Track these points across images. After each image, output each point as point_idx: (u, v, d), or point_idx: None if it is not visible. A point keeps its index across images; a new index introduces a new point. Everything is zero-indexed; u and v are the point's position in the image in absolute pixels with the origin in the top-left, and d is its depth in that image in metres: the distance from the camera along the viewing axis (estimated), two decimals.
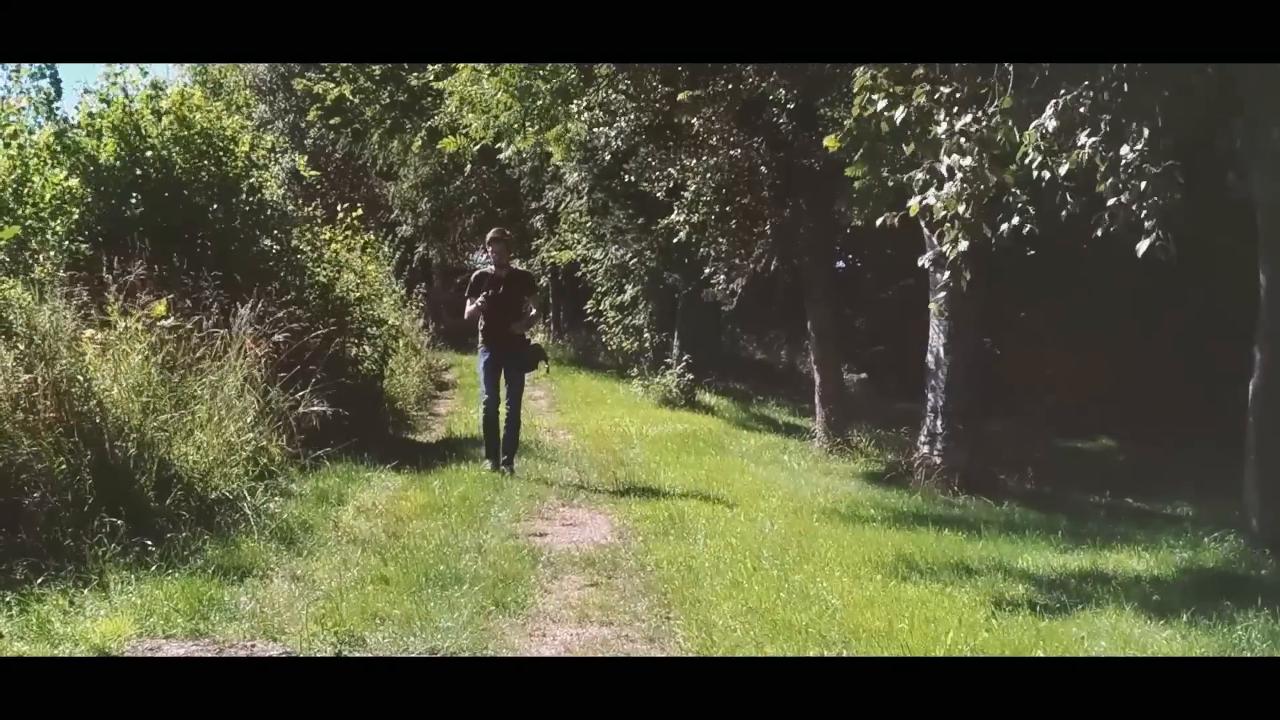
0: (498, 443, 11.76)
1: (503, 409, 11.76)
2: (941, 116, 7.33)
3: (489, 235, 12.29)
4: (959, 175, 7.27)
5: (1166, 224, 6.68)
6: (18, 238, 10.10)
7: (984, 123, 7.12)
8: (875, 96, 7.45)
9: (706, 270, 18.13)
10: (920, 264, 9.00)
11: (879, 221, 7.92)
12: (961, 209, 7.27)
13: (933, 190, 7.40)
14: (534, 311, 12.20)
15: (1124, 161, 6.67)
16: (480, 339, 12.00)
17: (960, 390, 13.21)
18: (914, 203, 7.60)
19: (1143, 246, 6.85)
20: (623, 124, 16.09)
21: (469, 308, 11.87)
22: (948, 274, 7.82)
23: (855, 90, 7.66)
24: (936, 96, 7.37)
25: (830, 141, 7.69)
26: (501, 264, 11.96)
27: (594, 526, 9.42)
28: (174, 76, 13.19)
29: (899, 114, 7.39)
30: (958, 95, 7.30)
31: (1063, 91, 6.90)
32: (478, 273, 12.23)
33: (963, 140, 7.20)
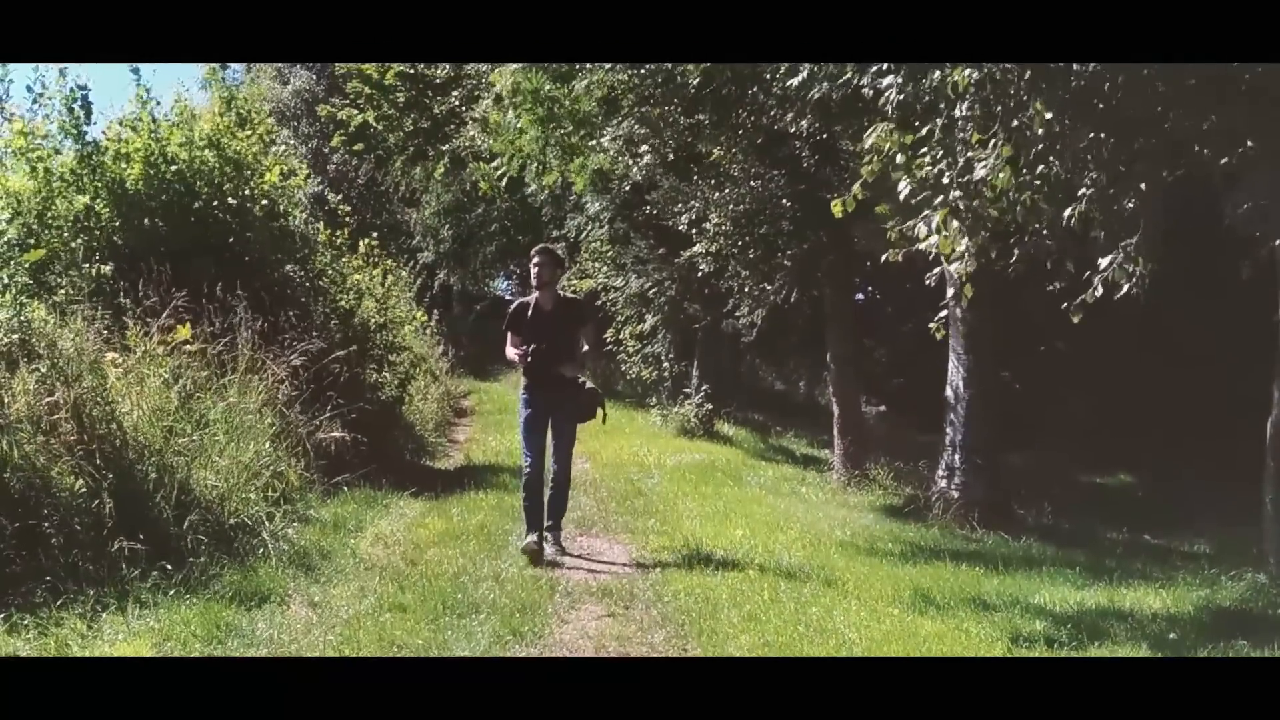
0: (541, 509, 9.43)
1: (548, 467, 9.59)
2: (945, 167, 7.30)
3: (533, 250, 9.85)
4: (960, 216, 7.25)
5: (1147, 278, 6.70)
6: (41, 260, 10.17)
7: (985, 167, 7.10)
8: (888, 149, 7.38)
9: (730, 302, 18.16)
10: (927, 281, 9.02)
11: (883, 258, 7.91)
12: (964, 244, 7.27)
13: (935, 228, 7.38)
14: (585, 349, 9.72)
15: (1122, 212, 6.69)
16: (522, 383, 9.65)
17: (979, 424, 13.20)
18: (927, 240, 7.55)
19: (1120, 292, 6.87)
20: (647, 159, 16.07)
21: (509, 350, 9.60)
22: (950, 294, 7.80)
23: (866, 148, 7.60)
24: (946, 151, 7.34)
25: (836, 208, 7.64)
26: (547, 289, 9.59)
27: (612, 556, 9.43)
28: (200, 102, 13.15)
29: (900, 158, 7.34)
30: (966, 148, 7.28)
31: (1066, 135, 6.90)
32: (518, 304, 9.83)
33: (959, 189, 7.18)
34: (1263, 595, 9.00)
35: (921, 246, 7.54)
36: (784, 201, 15.30)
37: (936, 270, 8.45)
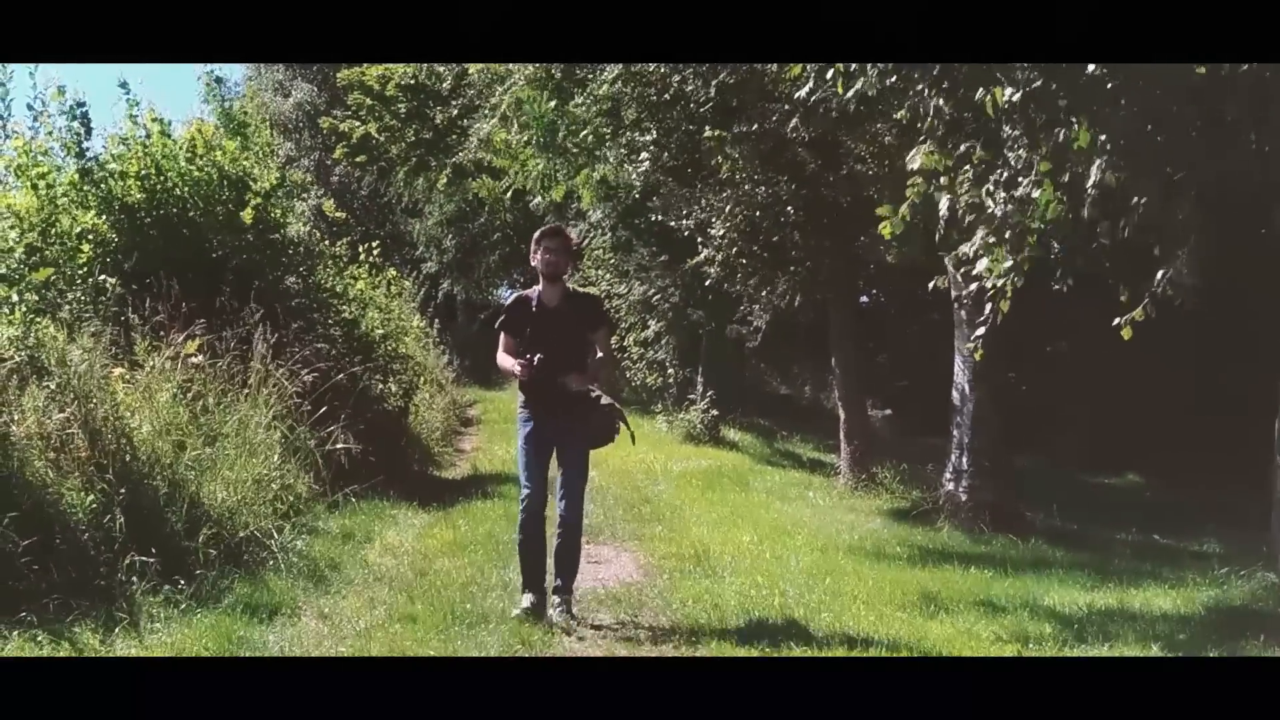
0: (542, 563, 7.52)
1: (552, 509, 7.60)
2: (992, 189, 7.28)
3: (539, 232, 7.68)
4: (1007, 235, 7.23)
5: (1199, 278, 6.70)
6: (47, 278, 10.18)
7: (1028, 187, 7.08)
8: (934, 178, 7.35)
9: (740, 309, 18.14)
10: (958, 298, 9.01)
11: (930, 286, 7.88)
12: (1008, 263, 7.25)
13: (981, 249, 7.35)
14: (599, 355, 7.57)
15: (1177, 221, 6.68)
16: (520, 399, 7.68)
17: (985, 426, 13.17)
18: (977, 264, 7.49)
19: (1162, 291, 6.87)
20: (647, 165, 16.02)
21: (502, 357, 7.63)
22: (988, 308, 7.74)
23: (910, 172, 7.55)
24: (988, 174, 7.32)
25: (885, 230, 7.59)
26: (556, 284, 7.62)
27: (619, 564, 9.43)
28: (195, 114, 13.07)
29: (944, 203, 7.32)
30: (1008, 170, 7.27)
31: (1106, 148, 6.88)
32: (515, 297, 7.89)
33: (1010, 207, 7.16)
34: (1273, 594, 9.00)
35: (978, 269, 7.51)
36: (789, 207, 15.28)
37: (973, 286, 8.40)
